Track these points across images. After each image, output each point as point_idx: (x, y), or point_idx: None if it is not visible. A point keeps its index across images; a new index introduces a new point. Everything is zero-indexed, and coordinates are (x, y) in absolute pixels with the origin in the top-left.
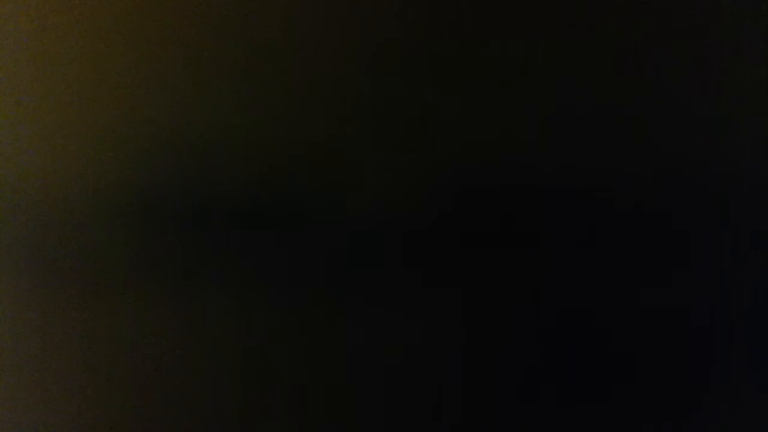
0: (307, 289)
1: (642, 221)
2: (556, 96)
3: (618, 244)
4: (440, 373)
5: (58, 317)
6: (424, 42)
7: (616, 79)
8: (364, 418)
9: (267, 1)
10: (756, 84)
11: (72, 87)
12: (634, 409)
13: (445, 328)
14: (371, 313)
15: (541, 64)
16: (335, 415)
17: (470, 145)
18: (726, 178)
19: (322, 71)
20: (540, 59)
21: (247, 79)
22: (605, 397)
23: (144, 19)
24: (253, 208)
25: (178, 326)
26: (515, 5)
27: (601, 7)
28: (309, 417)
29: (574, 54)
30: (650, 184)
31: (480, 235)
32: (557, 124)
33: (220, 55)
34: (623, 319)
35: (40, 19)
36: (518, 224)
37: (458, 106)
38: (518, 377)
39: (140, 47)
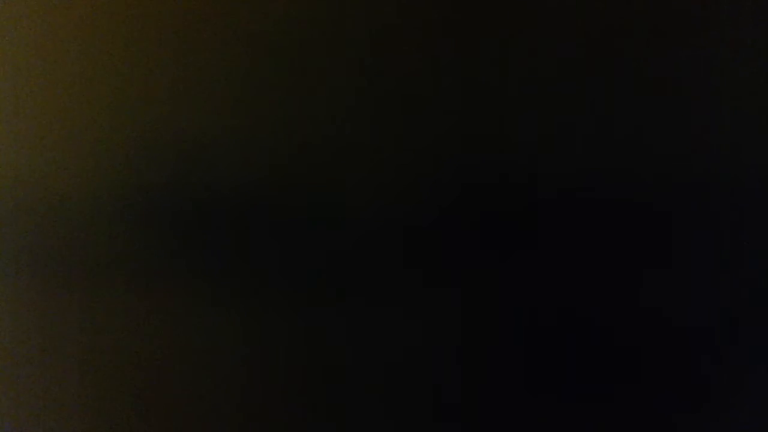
0: (307, 289)
1: (642, 221)
2: (557, 95)
3: (618, 244)
4: (440, 372)
5: (58, 317)
6: (424, 40)
7: (617, 78)
8: (364, 418)
9: (267, 1)
10: (756, 84)
11: (71, 88)
12: (634, 409)
13: (445, 328)
14: (371, 312)
15: (542, 63)
16: (335, 415)
17: (470, 145)
18: (726, 178)
19: (322, 70)
20: (541, 58)
21: (246, 79)
22: (605, 397)
23: (143, 20)
24: (253, 208)
25: (178, 326)
26: (516, 4)
27: (601, 7)
28: (309, 417)
29: (575, 53)
30: (650, 184)
31: (480, 234)
32: (558, 123)
33: (219, 55)
34: (623, 319)
35: (40, 19)
36: (518, 224)
37: (458, 105)
38: (518, 377)
39: (140, 48)
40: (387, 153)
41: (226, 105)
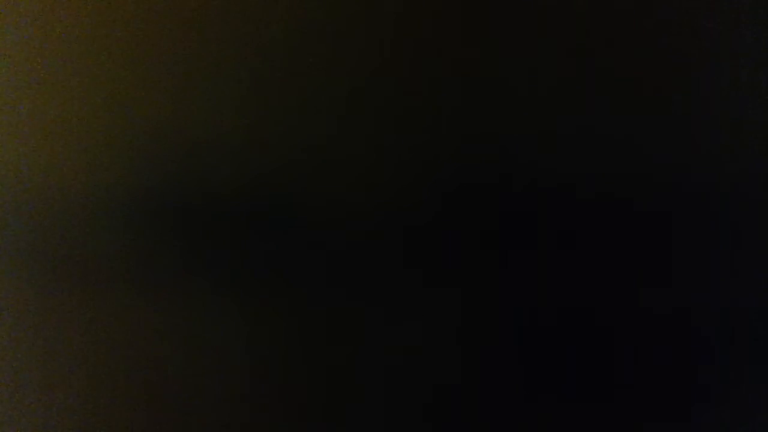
0: (307, 289)
1: (642, 221)
2: (557, 95)
3: (618, 244)
4: (440, 373)
5: (58, 317)
6: (424, 41)
7: (617, 78)
8: (364, 418)
9: (267, 1)
10: (756, 84)
11: (72, 87)
12: (634, 409)
13: (445, 328)
14: (371, 313)
15: (541, 64)
16: (335, 415)
17: (470, 145)
18: (726, 178)
19: (322, 71)
20: (540, 58)
21: (246, 79)
22: (605, 397)
23: (144, 20)
24: (253, 208)
25: (177, 326)
26: (515, 5)
27: (600, 8)
28: (309, 417)
29: (574, 53)
30: (650, 184)
31: (480, 235)
32: (557, 123)
33: (219, 55)
34: (623, 319)
35: (40, 19)
36: (518, 224)
37: (458, 105)
38: (518, 377)
39: (140, 47)
40: (387, 153)
41: (226, 105)
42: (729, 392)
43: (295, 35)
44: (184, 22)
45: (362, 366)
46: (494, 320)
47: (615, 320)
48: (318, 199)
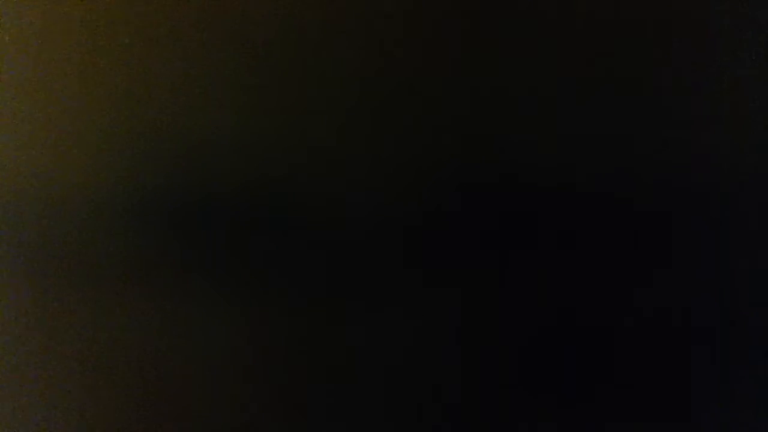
0: (307, 289)
1: (642, 221)
2: (558, 95)
3: (617, 244)
4: (440, 372)
5: (58, 317)
6: (424, 40)
7: (616, 78)
8: (363, 418)
9: (267, 1)
10: (756, 84)
11: (72, 88)
12: (634, 409)
13: (445, 328)
14: (371, 313)
15: (541, 63)
16: (335, 415)
17: (471, 144)
18: (726, 178)
19: (322, 70)
20: (540, 58)
21: (247, 79)
22: (605, 397)
23: (144, 20)
24: (253, 208)
25: (177, 326)
26: (515, 5)
27: (600, 8)
28: (309, 417)
29: (574, 53)
30: (650, 184)
31: (480, 234)
32: (558, 123)
33: (220, 55)
34: (622, 319)
35: (40, 19)
36: (518, 224)
37: (459, 105)
38: (518, 377)
39: (140, 48)
40: (387, 153)
41: (226, 105)
42: (729, 392)
43: (294, 35)
44: (184, 22)
45: (362, 366)
46: (494, 320)
47: (615, 320)
48: (318, 199)
